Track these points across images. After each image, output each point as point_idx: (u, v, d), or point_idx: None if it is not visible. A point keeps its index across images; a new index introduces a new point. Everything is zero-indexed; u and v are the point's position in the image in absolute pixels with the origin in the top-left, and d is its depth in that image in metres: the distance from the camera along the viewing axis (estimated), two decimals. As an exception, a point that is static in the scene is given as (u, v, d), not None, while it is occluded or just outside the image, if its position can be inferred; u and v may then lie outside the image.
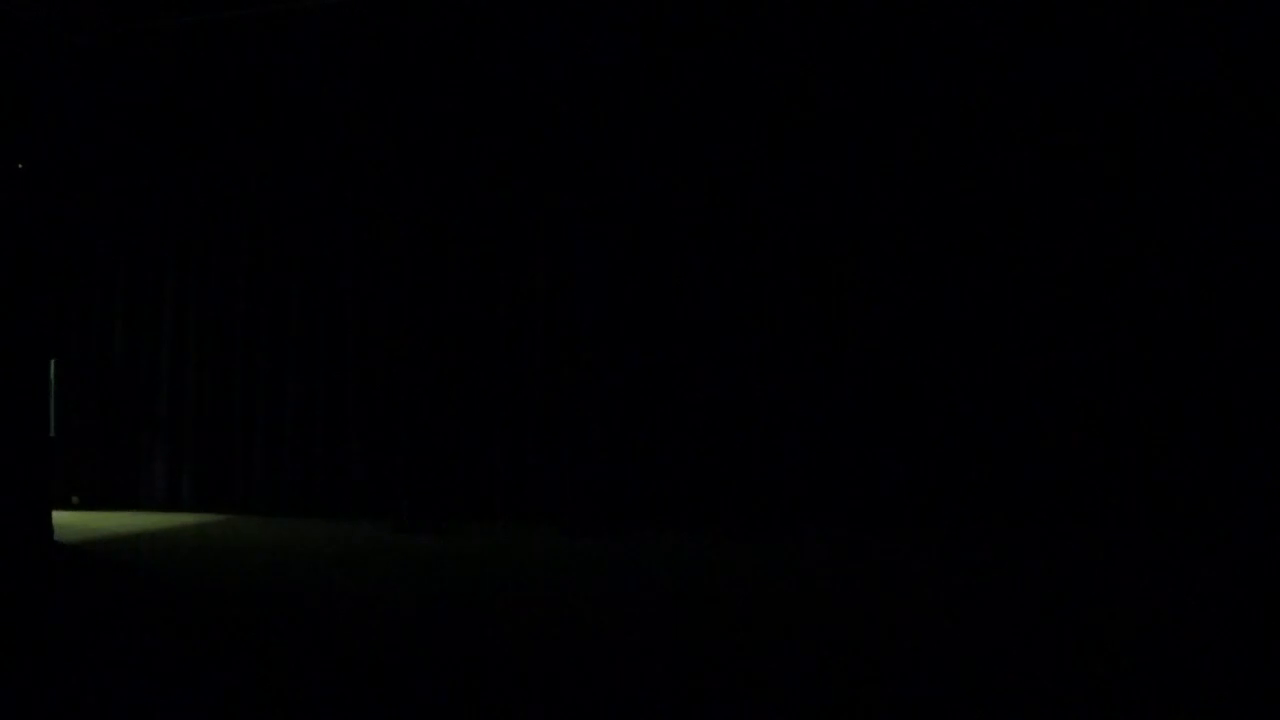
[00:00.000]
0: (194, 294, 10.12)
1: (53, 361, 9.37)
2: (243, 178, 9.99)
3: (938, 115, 8.47)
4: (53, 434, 9.22)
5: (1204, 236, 8.02)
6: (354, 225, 9.67)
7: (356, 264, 9.66)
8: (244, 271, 9.97)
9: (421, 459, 9.34)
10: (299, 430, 9.74)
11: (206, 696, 4.30)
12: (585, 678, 4.50)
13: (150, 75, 10.22)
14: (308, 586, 6.58)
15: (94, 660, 4.89)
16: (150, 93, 10.22)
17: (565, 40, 9.14)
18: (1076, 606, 5.72)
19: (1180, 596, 5.98)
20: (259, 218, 9.94)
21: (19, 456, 7.74)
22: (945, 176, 8.44)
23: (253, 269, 9.95)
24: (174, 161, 10.19)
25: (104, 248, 10.37)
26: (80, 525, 9.01)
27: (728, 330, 8.76)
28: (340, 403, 9.66)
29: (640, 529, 8.53)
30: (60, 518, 8.77)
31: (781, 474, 8.62)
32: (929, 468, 8.36)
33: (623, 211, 9.01)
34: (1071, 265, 8.24)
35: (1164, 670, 4.51)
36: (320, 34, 9.73)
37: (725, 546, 7.83)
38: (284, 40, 9.83)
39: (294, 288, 9.82)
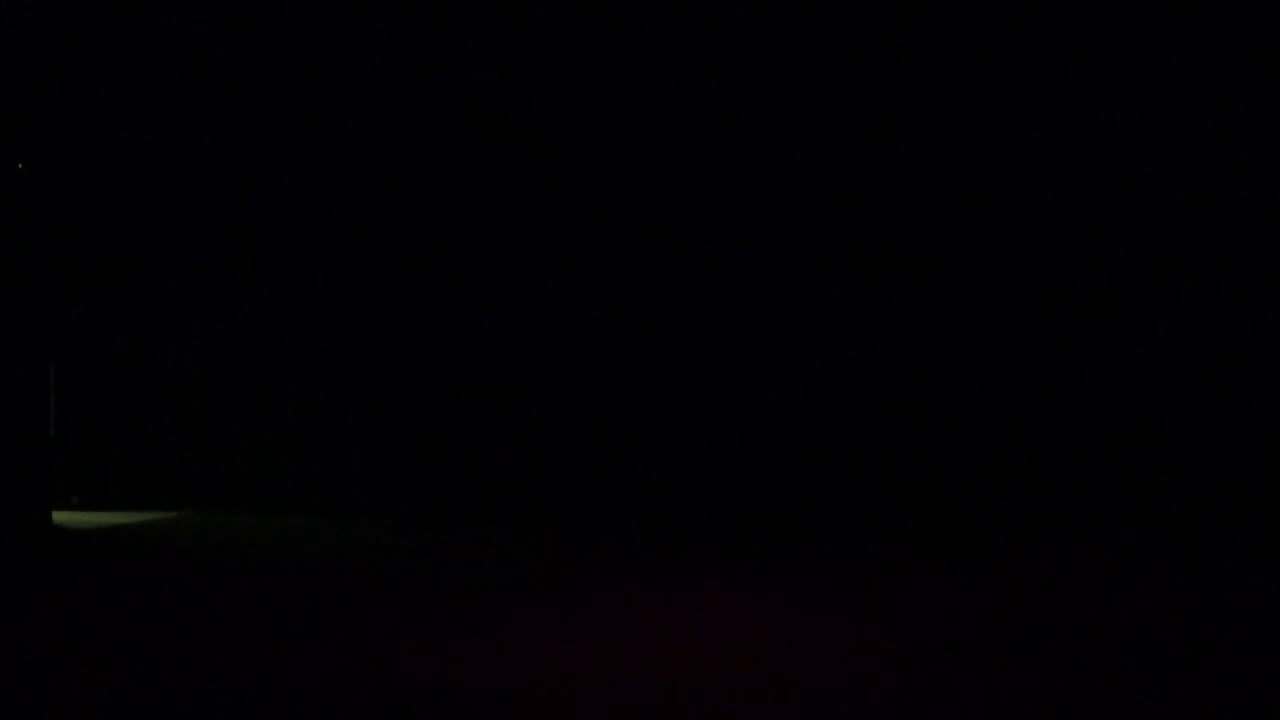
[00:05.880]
0: (196, 293, 10.13)
1: (52, 362, 9.38)
2: (245, 177, 9.99)
3: (910, 125, 8.52)
4: (53, 434, 9.23)
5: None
6: (356, 229, 9.67)
7: (358, 266, 9.67)
8: (246, 271, 9.98)
9: (421, 459, 9.36)
10: (300, 430, 9.76)
11: (187, 683, 4.35)
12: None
13: (152, 73, 10.21)
14: (298, 582, 6.64)
15: (88, 653, 4.93)
16: (152, 91, 10.21)
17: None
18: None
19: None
20: (262, 218, 9.95)
21: (19, 456, 7.78)
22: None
23: (255, 269, 9.95)
24: (175, 160, 10.18)
25: (105, 247, 10.36)
26: (80, 524, 9.03)
27: (719, 344, 8.82)
28: (341, 403, 9.68)
29: (642, 530, 8.55)
30: (60, 517, 8.80)
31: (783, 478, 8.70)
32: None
33: (606, 220, 9.07)
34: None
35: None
36: (328, 34, 9.72)
37: (726, 546, 7.86)
38: (296, 40, 9.81)
39: (296, 288, 9.83)
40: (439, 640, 5.17)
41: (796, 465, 8.68)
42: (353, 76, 9.68)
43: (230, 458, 9.97)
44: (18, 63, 8.83)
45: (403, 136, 9.55)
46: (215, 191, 10.09)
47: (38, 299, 8.53)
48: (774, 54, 8.68)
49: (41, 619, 5.76)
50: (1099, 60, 8.19)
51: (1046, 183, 8.41)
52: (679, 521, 8.59)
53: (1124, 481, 8.18)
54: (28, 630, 5.48)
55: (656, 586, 6.40)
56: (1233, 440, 8.08)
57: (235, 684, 4.42)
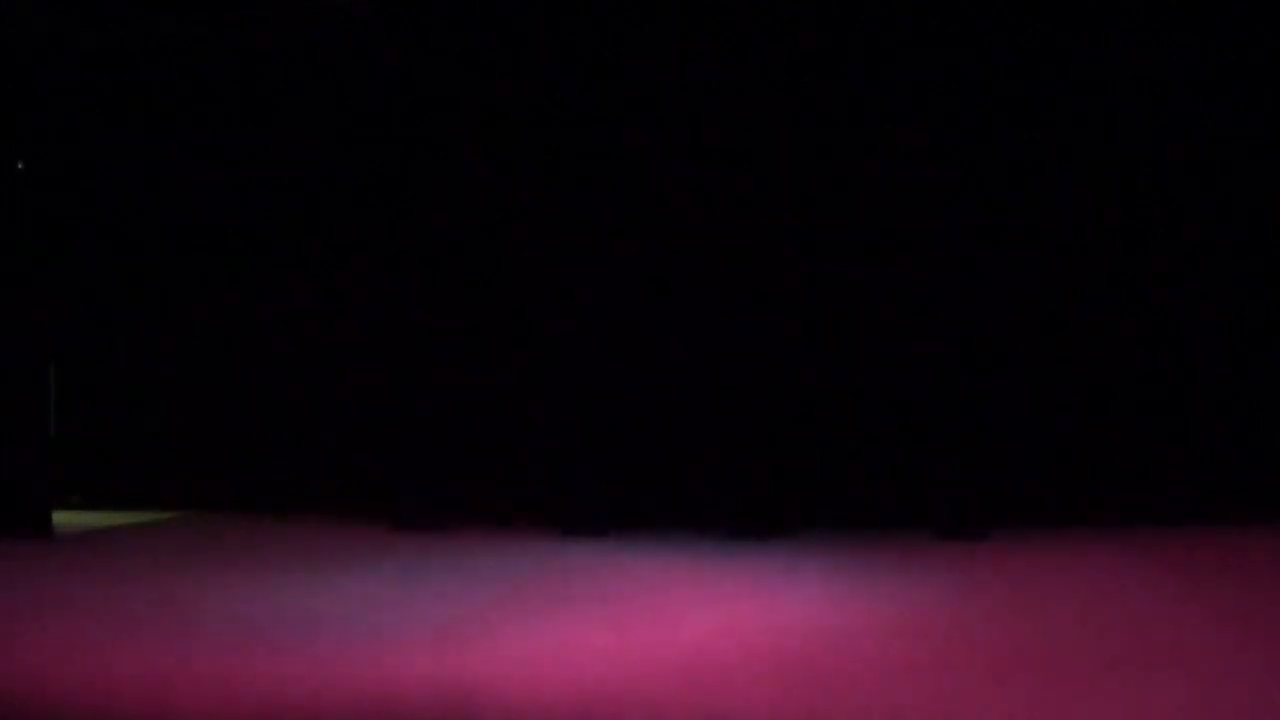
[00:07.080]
0: (196, 292, 10.13)
1: (52, 362, 9.37)
2: (244, 177, 9.99)
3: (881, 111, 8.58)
4: (53, 434, 9.23)
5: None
6: (355, 229, 9.68)
7: (358, 266, 9.67)
8: (246, 271, 9.98)
9: (421, 458, 9.36)
10: (299, 429, 9.77)
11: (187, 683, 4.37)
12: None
13: (151, 73, 10.21)
14: (299, 581, 6.67)
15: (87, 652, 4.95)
16: (151, 91, 10.21)
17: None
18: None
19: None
20: (261, 218, 9.95)
21: (19, 456, 7.79)
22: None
23: (255, 269, 9.96)
24: (175, 160, 10.18)
25: (105, 247, 10.36)
26: (80, 524, 9.04)
27: (718, 341, 8.84)
28: (341, 402, 9.69)
29: (643, 529, 8.56)
30: (60, 517, 8.80)
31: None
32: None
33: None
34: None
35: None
36: (328, 33, 9.73)
37: (730, 549, 7.87)
38: (296, 39, 9.82)
39: (295, 288, 9.84)
40: (441, 639, 5.18)
41: (795, 461, 8.70)
42: (353, 75, 9.69)
43: (230, 458, 9.98)
44: (18, 63, 8.83)
45: (403, 136, 9.55)
46: (215, 191, 10.09)
47: (38, 299, 8.54)
48: (775, 52, 8.70)
49: (41, 619, 5.76)
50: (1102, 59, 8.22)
51: (1046, 181, 8.43)
52: (680, 519, 8.61)
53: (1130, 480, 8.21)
54: (27, 630, 5.49)
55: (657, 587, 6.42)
56: (1237, 440, 8.11)
57: (235, 684, 4.43)
